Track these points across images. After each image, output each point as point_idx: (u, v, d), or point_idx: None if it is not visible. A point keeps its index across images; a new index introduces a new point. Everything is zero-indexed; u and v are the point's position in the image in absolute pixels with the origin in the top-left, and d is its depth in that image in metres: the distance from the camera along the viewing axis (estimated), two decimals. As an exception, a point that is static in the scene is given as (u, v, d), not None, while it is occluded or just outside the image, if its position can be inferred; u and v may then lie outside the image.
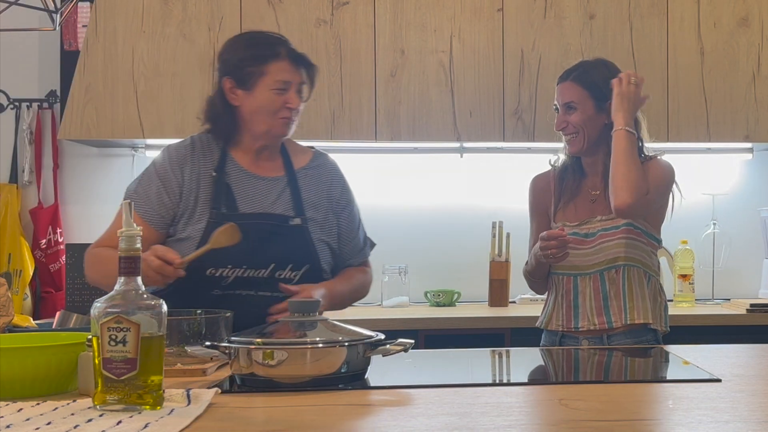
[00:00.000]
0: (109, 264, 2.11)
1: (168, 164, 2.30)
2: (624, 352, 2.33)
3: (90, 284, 2.34)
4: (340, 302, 2.35)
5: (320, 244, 2.32)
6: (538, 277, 2.71)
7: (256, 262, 2.23)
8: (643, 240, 2.60)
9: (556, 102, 2.68)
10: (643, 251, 2.60)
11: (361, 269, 2.48)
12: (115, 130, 3.60)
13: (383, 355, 1.74)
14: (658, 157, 2.67)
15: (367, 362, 1.74)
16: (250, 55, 2.30)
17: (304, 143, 2.52)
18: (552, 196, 2.73)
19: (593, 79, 2.63)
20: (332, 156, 2.55)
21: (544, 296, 2.76)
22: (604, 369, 2.18)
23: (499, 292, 3.81)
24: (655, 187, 2.56)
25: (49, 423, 1.35)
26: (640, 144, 2.65)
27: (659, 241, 2.67)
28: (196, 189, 2.28)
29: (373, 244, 2.53)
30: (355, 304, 3.69)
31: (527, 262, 2.74)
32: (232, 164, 2.33)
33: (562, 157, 2.74)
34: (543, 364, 2.20)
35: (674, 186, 2.65)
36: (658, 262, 2.68)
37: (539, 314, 2.74)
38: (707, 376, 1.77)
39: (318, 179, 2.39)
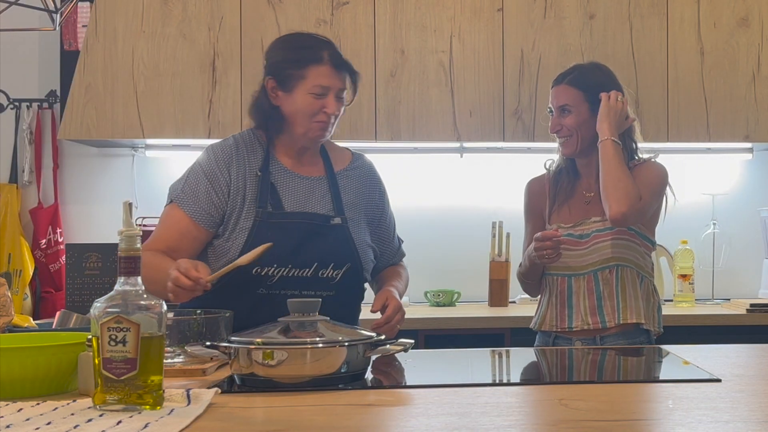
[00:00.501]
0: (146, 269, 2.17)
1: (215, 163, 2.31)
2: (624, 352, 2.33)
3: None
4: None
5: (360, 243, 2.36)
6: (532, 278, 2.73)
7: (300, 262, 2.25)
8: (637, 241, 2.62)
9: (550, 105, 2.70)
10: (636, 252, 2.62)
11: (402, 265, 2.58)
12: (115, 130, 3.60)
13: (383, 355, 1.74)
14: (652, 160, 2.68)
15: (367, 362, 1.74)
16: (292, 57, 2.31)
17: None
18: (547, 198, 2.75)
19: (588, 82, 2.66)
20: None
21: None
22: (604, 369, 2.18)
23: (499, 292, 3.81)
24: (650, 192, 2.58)
25: (49, 423, 1.35)
26: (635, 146, 2.68)
27: (653, 243, 2.69)
28: (243, 188, 2.30)
29: (402, 241, 2.62)
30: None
31: (521, 264, 2.76)
32: (276, 164, 2.35)
33: (557, 159, 2.76)
34: (543, 364, 2.20)
35: (668, 188, 2.66)
36: (652, 264, 2.70)
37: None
38: (707, 376, 1.77)
39: (357, 181, 2.43)
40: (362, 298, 2.46)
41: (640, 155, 2.69)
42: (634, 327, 2.58)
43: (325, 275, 2.27)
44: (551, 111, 2.69)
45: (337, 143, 2.52)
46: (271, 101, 2.34)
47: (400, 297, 2.35)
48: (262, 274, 2.22)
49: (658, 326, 2.64)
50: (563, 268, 2.63)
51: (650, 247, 2.67)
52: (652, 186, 2.59)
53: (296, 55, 2.31)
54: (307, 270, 2.25)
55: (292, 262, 2.25)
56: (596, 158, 2.63)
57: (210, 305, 2.10)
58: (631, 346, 2.49)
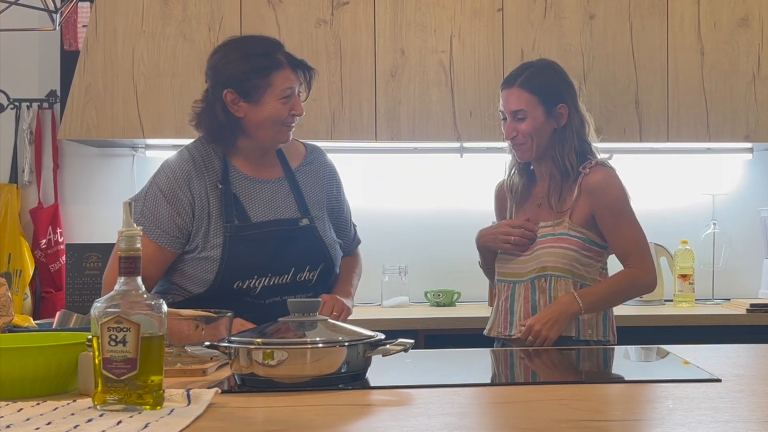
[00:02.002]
0: None
1: (174, 182, 2.28)
2: (624, 352, 2.33)
3: None
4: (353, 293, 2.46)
5: (329, 240, 2.38)
6: (489, 266, 2.74)
7: (278, 269, 2.28)
8: (582, 249, 2.54)
9: (502, 108, 2.61)
10: (577, 261, 2.54)
11: (355, 257, 2.58)
12: (115, 130, 3.60)
13: (383, 355, 1.74)
14: (602, 163, 2.59)
15: (367, 362, 1.74)
16: (253, 67, 2.27)
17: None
18: (508, 202, 2.72)
19: (540, 83, 2.58)
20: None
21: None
22: (604, 369, 2.18)
23: (499, 292, 3.81)
24: (626, 218, 2.55)
25: (49, 423, 1.35)
26: (582, 143, 2.60)
27: (604, 246, 2.59)
28: (207, 204, 2.28)
29: (356, 226, 2.61)
30: (355, 304, 3.68)
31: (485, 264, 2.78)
32: (235, 172, 2.34)
33: (510, 162, 2.70)
34: (543, 364, 2.20)
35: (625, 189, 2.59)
36: (603, 269, 2.62)
37: None
38: (707, 376, 1.77)
39: (315, 176, 2.44)
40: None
41: (595, 155, 2.61)
42: (566, 339, 2.50)
43: (302, 278, 2.31)
44: (503, 116, 2.61)
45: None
46: (232, 113, 2.29)
47: (353, 294, 2.43)
48: (244, 287, 2.26)
49: (604, 335, 2.55)
50: (510, 275, 2.62)
51: (600, 251, 2.59)
52: (621, 204, 2.55)
53: (257, 63, 2.27)
54: (286, 276, 2.29)
55: (271, 271, 2.28)
56: (549, 161, 2.59)
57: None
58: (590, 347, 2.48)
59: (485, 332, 2.71)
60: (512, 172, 2.70)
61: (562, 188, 2.58)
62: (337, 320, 2.11)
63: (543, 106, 2.56)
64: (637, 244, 2.55)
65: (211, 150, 2.34)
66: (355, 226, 2.61)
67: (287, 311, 2.08)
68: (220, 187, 2.29)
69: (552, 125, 2.58)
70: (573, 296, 2.48)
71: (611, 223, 2.54)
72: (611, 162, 2.63)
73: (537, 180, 2.67)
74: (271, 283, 2.27)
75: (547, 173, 2.61)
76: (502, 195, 2.78)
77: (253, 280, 2.26)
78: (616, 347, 2.46)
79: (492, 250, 2.69)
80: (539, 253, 2.56)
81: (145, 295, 1.45)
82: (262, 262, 2.26)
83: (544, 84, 2.58)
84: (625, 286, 2.54)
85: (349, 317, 2.32)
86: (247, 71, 2.26)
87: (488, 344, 2.80)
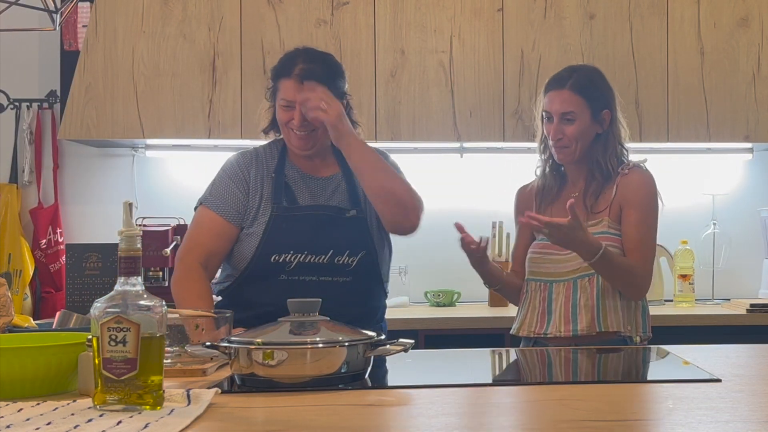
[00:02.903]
0: (183, 292, 2.40)
1: (236, 166, 2.49)
2: (624, 352, 2.33)
3: None
4: (360, 153, 2.43)
5: (375, 234, 2.47)
6: (492, 284, 2.69)
7: (315, 249, 2.39)
8: (620, 246, 2.54)
9: (547, 109, 2.60)
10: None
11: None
12: (115, 130, 3.60)
13: (383, 355, 1.74)
14: (640, 166, 2.61)
15: (367, 362, 1.74)
16: (273, 70, 2.49)
17: None
18: (533, 204, 2.69)
19: (590, 87, 2.58)
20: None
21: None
22: (604, 369, 2.18)
23: (499, 292, 3.81)
24: (646, 218, 2.54)
25: (49, 423, 1.35)
26: (621, 148, 2.62)
27: None
28: (260, 188, 2.45)
29: None
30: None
31: (488, 283, 2.70)
32: (290, 167, 2.49)
33: (541, 162, 2.69)
34: (543, 364, 2.20)
35: (658, 196, 2.60)
36: None
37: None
38: (707, 376, 1.77)
39: None
40: (383, 290, 2.54)
41: (629, 160, 2.63)
42: (612, 335, 2.51)
43: (341, 262, 2.40)
44: (549, 117, 2.59)
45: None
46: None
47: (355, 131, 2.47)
48: (280, 261, 2.37)
49: (643, 332, 2.56)
50: (545, 275, 2.59)
51: None
52: (648, 208, 2.55)
53: (275, 68, 2.48)
54: (323, 257, 2.38)
55: (308, 249, 2.38)
56: (586, 162, 2.60)
57: (237, 294, 2.40)
58: (628, 346, 2.48)
59: (512, 331, 2.69)
60: (544, 174, 2.69)
61: (599, 190, 2.59)
62: (325, 111, 2.32)
63: (590, 110, 2.57)
64: (647, 247, 2.55)
65: (275, 147, 2.53)
66: None
67: (322, 290, 2.26)
68: (273, 175, 2.46)
69: (596, 129, 2.59)
70: (599, 249, 2.43)
71: (635, 219, 2.54)
72: (646, 165, 2.64)
73: (568, 181, 2.67)
74: (308, 261, 2.38)
75: (582, 175, 2.62)
76: (525, 198, 2.74)
77: (289, 255, 2.37)
78: (615, 347, 2.46)
79: (484, 264, 2.64)
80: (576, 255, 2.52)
81: (145, 295, 1.45)
82: (300, 239, 2.38)
83: (593, 88, 2.59)
84: (627, 269, 2.51)
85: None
86: (273, 72, 2.49)
87: (486, 344, 2.80)
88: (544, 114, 2.62)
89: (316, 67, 2.42)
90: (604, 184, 2.60)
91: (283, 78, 2.42)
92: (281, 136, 2.52)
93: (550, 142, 2.61)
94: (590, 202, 2.59)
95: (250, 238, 2.42)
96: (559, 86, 2.59)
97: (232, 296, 2.42)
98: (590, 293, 2.53)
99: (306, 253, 2.38)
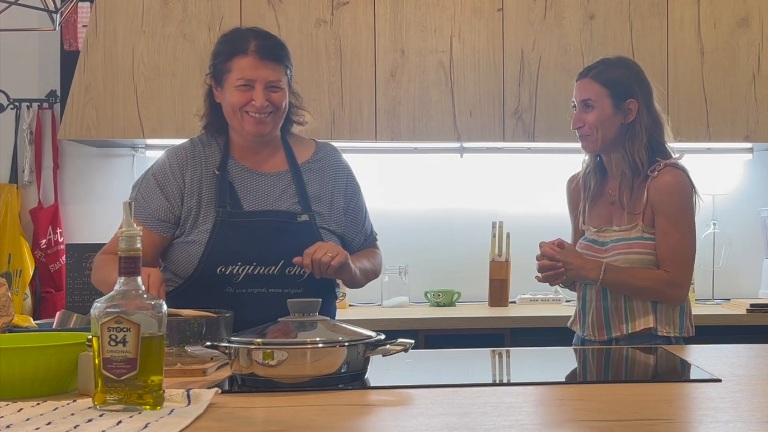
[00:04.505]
0: (102, 269, 2.26)
1: (168, 169, 2.30)
2: (624, 352, 2.33)
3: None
4: (361, 275, 2.31)
5: (329, 237, 2.31)
6: (562, 286, 2.70)
7: (265, 260, 2.23)
8: (653, 253, 2.51)
9: (574, 99, 2.63)
10: (650, 263, 2.51)
11: (373, 249, 2.48)
12: (115, 130, 3.60)
13: (383, 355, 1.74)
14: (672, 165, 2.55)
15: (367, 362, 1.74)
16: (219, 51, 2.29)
17: None
18: (581, 196, 2.70)
19: (612, 76, 2.58)
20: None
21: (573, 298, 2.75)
22: (604, 369, 2.18)
23: (499, 292, 3.81)
24: (676, 224, 2.50)
25: (49, 423, 1.35)
26: (655, 142, 2.58)
27: None
28: (198, 190, 2.28)
29: (376, 234, 2.53)
30: (354, 304, 3.68)
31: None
32: (233, 163, 2.32)
33: (587, 157, 2.68)
34: (543, 363, 2.20)
35: (695, 194, 2.55)
36: None
37: (539, 314, 2.72)
38: (707, 376, 1.77)
39: (322, 172, 2.37)
40: (335, 296, 2.42)
41: (669, 156, 2.58)
42: (645, 332, 2.50)
43: (292, 273, 2.24)
44: (575, 106, 2.63)
45: (317, 140, 2.47)
46: (215, 99, 2.32)
47: (356, 267, 2.27)
48: (227, 273, 2.21)
49: (681, 330, 2.52)
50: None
51: None
52: (684, 212, 2.51)
53: (223, 48, 2.28)
54: (273, 267, 2.23)
55: (257, 260, 2.22)
56: (619, 157, 2.58)
57: (180, 301, 2.13)
58: (636, 346, 2.48)
59: (569, 323, 2.70)
60: (587, 167, 2.68)
61: (633, 186, 2.56)
62: (330, 263, 2.10)
63: (612, 99, 2.56)
64: (679, 254, 2.50)
65: (215, 141, 2.35)
66: (376, 234, 2.53)
67: (271, 303, 2.09)
68: (217, 173, 2.28)
69: (620, 119, 2.56)
70: (601, 267, 2.47)
71: (664, 227, 2.50)
72: (682, 162, 2.59)
73: (609, 177, 2.65)
74: (256, 273, 2.22)
75: (618, 170, 2.59)
76: (574, 189, 2.74)
77: (237, 266, 2.21)
78: (615, 347, 2.46)
79: None
80: (614, 259, 2.52)
81: (145, 295, 1.45)
82: (248, 249, 2.22)
83: (614, 77, 2.58)
84: (650, 284, 2.49)
85: (350, 318, 2.31)
86: (216, 54, 2.29)
87: (486, 344, 2.81)
88: (572, 103, 2.65)
89: (272, 44, 2.27)
90: (635, 180, 2.56)
91: (237, 56, 2.23)
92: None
93: (576, 132, 2.62)
94: (626, 201, 2.56)
95: (192, 246, 2.25)
96: (582, 76, 2.63)
97: (175, 302, 2.14)
98: (619, 299, 2.52)
99: (255, 265, 2.22)
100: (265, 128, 2.26)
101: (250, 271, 2.22)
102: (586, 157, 2.68)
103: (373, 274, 2.42)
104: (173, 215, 2.28)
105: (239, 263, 2.21)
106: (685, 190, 2.52)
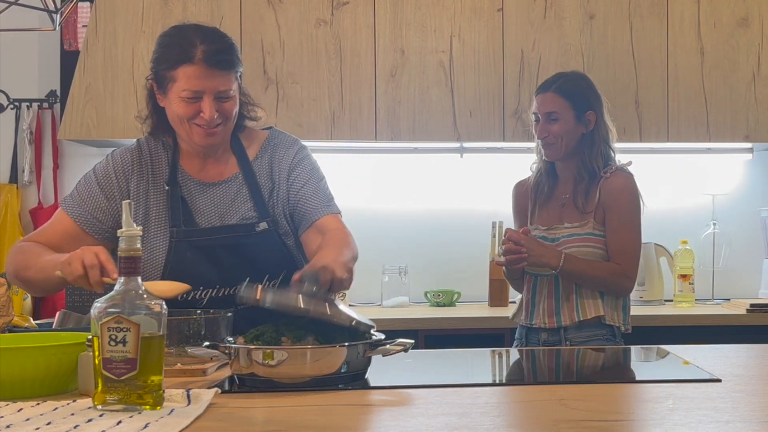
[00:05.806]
0: (25, 254, 2.06)
1: (112, 171, 2.16)
2: (624, 352, 2.33)
3: (9, 280, 2.17)
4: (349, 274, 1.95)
5: (292, 242, 2.14)
6: (513, 275, 2.89)
7: (228, 281, 2.06)
8: (603, 248, 2.75)
9: (536, 111, 2.83)
10: (600, 257, 2.75)
11: (340, 229, 2.12)
12: (115, 130, 3.60)
13: (383, 355, 1.74)
14: (621, 169, 2.81)
15: (367, 362, 1.74)
16: (162, 56, 2.06)
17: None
18: (529, 200, 2.90)
19: (574, 90, 2.81)
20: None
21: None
22: (604, 369, 2.18)
23: (499, 292, 3.81)
24: (627, 221, 2.74)
25: (49, 423, 1.35)
26: (607, 149, 2.82)
27: None
28: (145, 202, 2.12)
29: (336, 208, 2.21)
30: (354, 304, 3.68)
31: (510, 275, 2.94)
32: (182, 174, 2.15)
33: (537, 162, 2.91)
34: (543, 364, 2.20)
35: (640, 197, 2.80)
36: None
37: None
38: (707, 376, 1.77)
39: (270, 158, 2.18)
40: None
41: (617, 161, 2.84)
42: (594, 320, 2.72)
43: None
44: (537, 117, 2.83)
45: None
46: (158, 103, 2.11)
47: (348, 265, 1.92)
48: (189, 299, 2.03)
49: (624, 323, 2.77)
50: (535, 267, 2.77)
51: None
52: (630, 212, 2.75)
53: (167, 53, 2.04)
54: (239, 287, 1.89)
55: (219, 283, 2.07)
56: (576, 162, 2.80)
57: None
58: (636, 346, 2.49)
59: (510, 317, 2.96)
60: (539, 172, 2.89)
61: (588, 189, 2.79)
62: (344, 278, 1.82)
63: (574, 110, 2.79)
64: (629, 249, 2.75)
65: (161, 147, 2.17)
66: (336, 207, 2.20)
67: (243, 319, 1.93)
68: (167, 188, 2.11)
69: (581, 130, 2.81)
70: (561, 256, 2.69)
71: (614, 225, 2.75)
72: (630, 168, 2.83)
73: (560, 181, 2.86)
74: (221, 295, 2.06)
75: (572, 174, 2.82)
76: (520, 194, 2.96)
77: (199, 292, 2.05)
78: (615, 347, 2.46)
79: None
80: (566, 252, 2.72)
81: (145, 295, 1.45)
82: (208, 272, 2.06)
83: (576, 91, 2.82)
84: (603, 274, 2.72)
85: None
86: (158, 59, 2.07)
87: (486, 344, 2.81)
88: (533, 116, 2.87)
89: (221, 47, 2.04)
90: (591, 183, 2.79)
91: (183, 65, 1.99)
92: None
93: (539, 141, 2.83)
94: (581, 202, 2.79)
95: (148, 266, 2.06)
96: (545, 89, 2.84)
97: None
98: (570, 288, 2.74)
99: (218, 288, 2.06)
100: (215, 139, 2.08)
101: (214, 294, 2.07)
102: (536, 164, 2.92)
103: (354, 261, 2.04)
104: (111, 217, 2.11)
105: (201, 288, 2.06)
106: (634, 192, 2.78)
